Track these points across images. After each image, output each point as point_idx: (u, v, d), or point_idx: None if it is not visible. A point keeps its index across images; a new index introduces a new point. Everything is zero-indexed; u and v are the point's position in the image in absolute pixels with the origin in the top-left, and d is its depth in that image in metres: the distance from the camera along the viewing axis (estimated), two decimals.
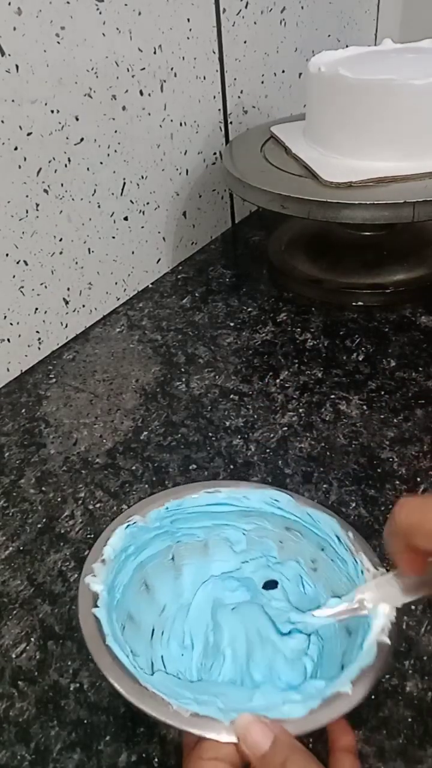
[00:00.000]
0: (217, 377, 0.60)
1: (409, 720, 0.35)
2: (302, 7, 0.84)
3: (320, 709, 0.26)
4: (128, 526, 0.34)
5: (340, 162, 0.63)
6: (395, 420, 0.53)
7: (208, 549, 0.38)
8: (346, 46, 0.73)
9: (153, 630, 0.36)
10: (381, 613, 0.29)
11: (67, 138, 0.59)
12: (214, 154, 0.78)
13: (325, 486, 0.48)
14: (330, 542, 0.34)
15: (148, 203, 0.71)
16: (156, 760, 0.34)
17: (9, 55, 0.51)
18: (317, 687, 0.30)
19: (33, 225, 0.58)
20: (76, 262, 0.65)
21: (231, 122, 0.79)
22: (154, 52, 0.64)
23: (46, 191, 0.58)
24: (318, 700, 0.27)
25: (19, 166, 0.55)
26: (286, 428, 0.54)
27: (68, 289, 0.65)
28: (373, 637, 0.29)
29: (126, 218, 0.69)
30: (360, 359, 0.60)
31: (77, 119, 0.59)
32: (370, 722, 0.35)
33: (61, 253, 0.62)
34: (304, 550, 0.36)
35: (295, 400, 0.56)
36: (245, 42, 0.76)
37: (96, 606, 0.30)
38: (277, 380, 0.59)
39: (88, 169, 0.62)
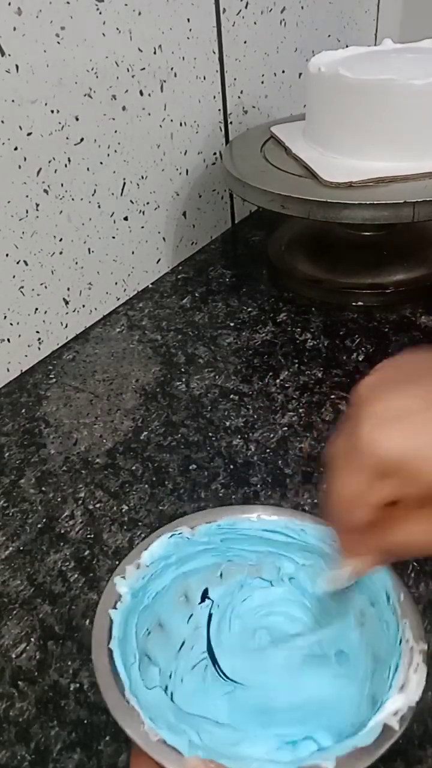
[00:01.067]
0: (217, 377, 0.60)
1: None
2: (302, 7, 0.84)
3: None
4: (173, 535, 0.34)
5: (340, 162, 0.63)
6: None
7: (261, 575, 0.37)
8: (346, 46, 0.72)
9: (183, 643, 0.35)
10: (406, 690, 0.27)
11: (67, 138, 0.59)
12: (214, 154, 0.78)
13: (325, 486, 0.48)
14: (379, 599, 0.31)
15: (148, 203, 0.71)
16: None
17: (9, 55, 0.51)
18: (310, 749, 0.29)
19: (33, 225, 0.58)
20: (76, 262, 0.65)
21: (231, 122, 0.79)
22: (154, 52, 0.64)
23: (46, 191, 0.58)
24: (292, 767, 0.25)
25: (19, 166, 0.55)
26: (286, 428, 0.54)
27: (68, 289, 0.65)
28: (381, 717, 0.26)
29: (126, 218, 0.69)
30: (360, 359, 0.60)
31: (77, 119, 0.59)
32: None
33: (61, 253, 0.62)
34: (356, 600, 0.34)
35: (295, 400, 0.56)
36: (245, 42, 0.76)
37: (114, 607, 0.30)
38: (277, 380, 0.59)
39: (88, 169, 0.62)
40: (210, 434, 0.54)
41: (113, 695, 0.27)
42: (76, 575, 0.44)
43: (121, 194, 0.67)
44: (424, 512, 0.25)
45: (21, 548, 0.46)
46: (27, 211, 0.57)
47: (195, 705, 0.33)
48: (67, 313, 0.66)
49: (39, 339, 0.64)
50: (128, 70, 0.62)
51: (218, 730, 0.31)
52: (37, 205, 0.58)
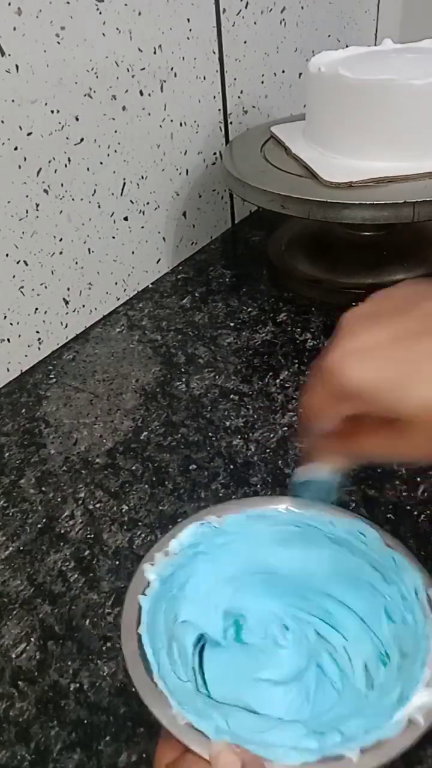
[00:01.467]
0: (217, 377, 0.60)
1: None
2: (302, 7, 0.84)
3: (314, 766, 0.25)
4: (202, 524, 0.34)
5: (340, 162, 0.63)
6: None
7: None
8: (346, 46, 0.72)
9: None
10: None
11: (67, 138, 0.59)
12: (214, 154, 0.78)
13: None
14: (408, 595, 0.32)
15: (148, 203, 0.71)
16: None
17: (9, 55, 0.51)
18: (334, 741, 0.29)
19: (33, 225, 0.58)
20: (76, 262, 0.65)
21: (231, 122, 0.79)
22: (154, 52, 0.64)
23: (46, 191, 0.58)
24: (315, 755, 0.26)
25: (19, 166, 0.55)
26: (286, 428, 0.54)
27: (68, 289, 0.65)
28: (407, 711, 0.27)
29: (126, 218, 0.69)
30: None
31: (77, 119, 0.59)
32: None
33: (61, 253, 0.62)
34: (386, 592, 0.34)
35: (295, 400, 0.56)
36: (245, 42, 0.76)
37: (143, 594, 0.30)
38: (277, 380, 0.59)
39: (88, 169, 0.62)
40: (210, 434, 0.54)
41: (142, 679, 0.27)
42: (76, 575, 0.44)
43: (121, 194, 0.67)
44: (381, 430, 0.29)
45: (21, 548, 0.46)
46: (27, 211, 0.57)
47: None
48: (67, 313, 0.66)
49: (39, 339, 0.64)
50: (128, 70, 0.62)
51: (246, 717, 0.31)
52: (37, 205, 0.58)
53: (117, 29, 0.59)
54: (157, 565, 0.32)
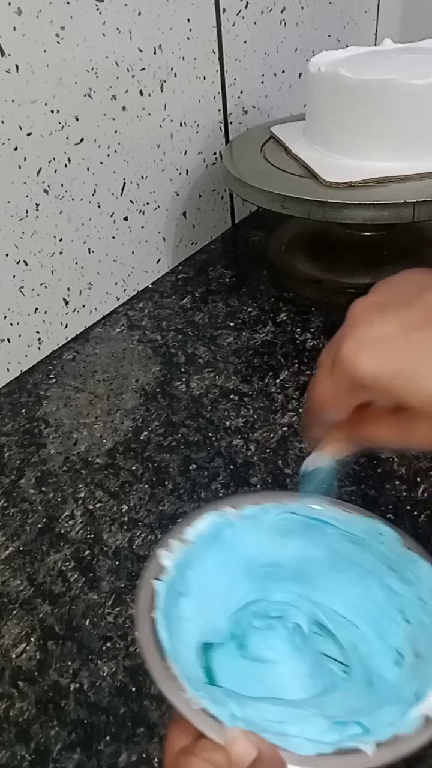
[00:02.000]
0: (217, 377, 0.60)
1: None
2: (302, 7, 0.84)
3: (329, 756, 0.25)
4: (219, 514, 0.34)
5: (340, 162, 0.63)
6: None
7: None
8: (346, 46, 0.72)
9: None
10: None
11: (67, 138, 0.59)
12: (214, 154, 0.78)
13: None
14: (426, 598, 0.31)
15: (148, 203, 0.71)
16: (156, 760, 0.34)
17: (9, 55, 0.51)
18: (355, 732, 0.28)
19: (33, 225, 0.58)
20: (76, 262, 0.65)
21: (231, 122, 0.79)
22: (154, 52, 0.64)
23: (46, 191, 0.58)
24: (331, 747, 0.26)
25: (19, 166, 0.55)
26: (286, 428, 0.54)
27: (68, 289, 0.65)
28: (424, 708, 0.27)
29: (126, 218, 0.69)
30: None
31: (77, 119, 0.59)
32: None
33: (61, 253, 0.62)
34: (403, 594, 0.33)
35: (295, 400, 0.56)
36: (245, 42, 0.76)
37: (158, 579, 0.31)
38: (277, 380, 0.59)
39: (88, 169, 0.62)
40: (210, 434, 0.54)
41: (156, 662, 0.27)
42: (76, 575, 0.44)
43: (121, 194, 0.67)
44: (389, 419, 0.30)
45: (21, 548, 0.46)
46: (27, 211, 0.57)
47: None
48: (67, 313, 0.66)
49: (39, 339, 0.64)
50: (128, 70, 0.62)
51: (263, 706, 0.31)
52: (37, 205, 0.58)
53: (117, 29, 0.59)
54: (173, 551, 0.32)
